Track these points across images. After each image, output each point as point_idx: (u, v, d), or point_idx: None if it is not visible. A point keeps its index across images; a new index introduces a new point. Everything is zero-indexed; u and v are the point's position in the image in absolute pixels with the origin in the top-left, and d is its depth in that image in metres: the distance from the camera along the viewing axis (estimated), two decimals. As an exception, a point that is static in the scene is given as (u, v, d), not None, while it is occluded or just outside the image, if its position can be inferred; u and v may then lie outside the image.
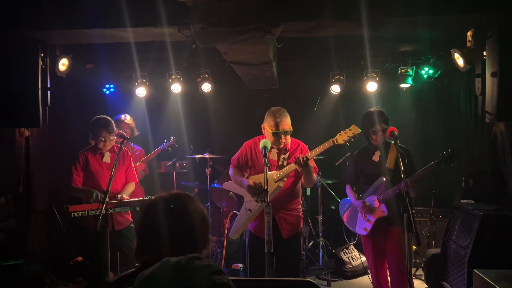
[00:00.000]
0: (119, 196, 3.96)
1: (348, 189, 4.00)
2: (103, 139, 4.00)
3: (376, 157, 3.82)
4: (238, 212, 3.66)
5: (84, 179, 4.02)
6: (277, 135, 3.34)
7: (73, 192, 3.99)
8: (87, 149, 4.09)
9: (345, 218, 4.10)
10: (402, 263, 3.55)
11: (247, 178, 3.51)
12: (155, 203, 1.63)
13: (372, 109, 3.85)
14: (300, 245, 3.53)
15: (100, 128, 3.99)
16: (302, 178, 3.43)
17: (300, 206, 3.59)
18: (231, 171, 3.62)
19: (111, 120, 4.10)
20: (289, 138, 3.46)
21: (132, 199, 3.93)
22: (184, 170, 6.16)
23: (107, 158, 4.09)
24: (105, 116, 4.11)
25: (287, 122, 3.39)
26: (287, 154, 3.43)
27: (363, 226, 3.82)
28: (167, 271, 1.40)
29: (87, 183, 4.01)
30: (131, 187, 4.18)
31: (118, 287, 1.50)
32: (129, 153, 4.31)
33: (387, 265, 3.84)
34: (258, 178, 3.42)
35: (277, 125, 3.34)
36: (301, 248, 3.56)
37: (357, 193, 3.95)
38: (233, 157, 3.65)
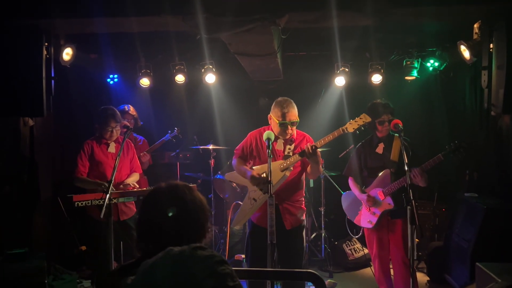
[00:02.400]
0: (125, 182, 3.97)
1: (351, 182, 3.99)
2: (111, 129, 4.00)
3: (379, 149, 3.82)
4: (241, 202, 3.66)
5: (89, 169, 4.03)
6: (284, 125, 3.32)
7: (79, 182, 3.99)
8: (92, 139, 4.09)
9: (348, 211, 4.08)
10: (406, 255, 3.57)
11: (251, 168, 3.50)
12: (153, 194, 1.65)
13: (377, 100, 3.84)
14: (303, 237, 3.51)
15: (109, 118, 3.99)
16: (308, 168, 3.41)
17: (303, 199, 3.57)
18: (234, 161, 3.61)
19: (117, 110, 4.11)
20: (295, 129, 3.44)
21: (136, 189, 3.94)
22: (187, 161, 6.16)
23: (112, 148, 4.10)
24: (111, 106, 4.11)
25: (294, 113, 3.36)
26: (293, 145, 3.41)
27: (368, 219, 3.81)
28: (170, 260, 1.40)
29: (93, 173, 4.01)
30: (135, 177, 4.20)
31: (121, 277, 1.51)
32: (132, 144, 4.32)
33: (390, 258, 3.86)
34: (263, 168, 3.40)
35: (284, 115, 3.32)
36: (304, 241, 3.54)
37: (361, 186, 3.95)
38: (236, 148, 3.63)
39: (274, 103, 3.44)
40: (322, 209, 5.38)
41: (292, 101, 3.41)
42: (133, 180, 4.10)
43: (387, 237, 3.80)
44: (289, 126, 3.34)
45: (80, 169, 3.98)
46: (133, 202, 4.05)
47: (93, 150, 4.03)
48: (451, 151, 3.45)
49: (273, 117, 3.39)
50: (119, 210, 4.00)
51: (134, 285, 1.42)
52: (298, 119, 3.39)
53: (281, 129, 3.33)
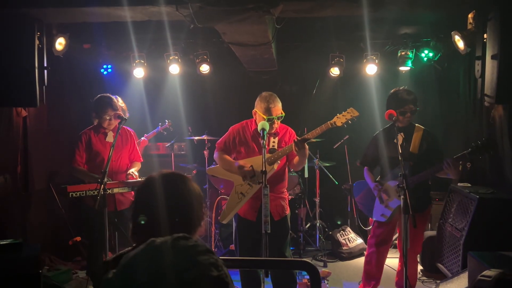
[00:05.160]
0: (129, 171, 3.96)
1: (366, 172, 3.84)
2: (109, 117, 3.95)
3: (399, 140, 3.59)
4: (227, 197, 3.65)
5: (87, 159, 3.99)
6: (271, 120, 3.33)
7: (76, 173, 3.96)
8: (89, 129, 4.05)
9: (360, 202, 3.96)
10: (413, 247, 3.45)
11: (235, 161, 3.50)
12: (148, 184, 1.61)
13: (400, 88, 3.71)
14: (288, 226, 3.56)
15: (106, 106, 3.94)
16: (295, 160, 3.42)
17: (286, 190, 3.62)
18: (216, 155, 3.59)
19: (114, 98, 4.07)
20: (279, 122, 3.46)
21: (131, 180, 3.92)
22: (182, 152, 6.15)
23: (110, 138, 4.05)
24: (107, 94, 4.07)
25: (279, 107, 3.39)
26: (277, 138, 3.43)
27: (381, 213, 3.68)
28: (150, 253, 1.36)
29: (91, 163, 3.97)
30: (137, 166, 4.16)
31: (115, 266, 1.49)
32: (132, 134, 4.27)
33: (399, 248, 3.82)
34: (248, 162, 3.40)
35: (270, 110, 3.33)
36: (289, 229, 3.58)
37: (376, 176, 3.82)
38: (218, 141, 3.61)
39: (258, 98, 3.43)
40: (316, 200, 5.41)
41: (276, 95, 3.42)
42: (135, 169, 4.08)
43: (394, 233, 3.72)
44: (275, 120, 3.36)
45: (77, 159, 3.94)
46: (132, 192, 4.01)
47: (90, 140, 3.98)
48: (477, 149, 3.29)
49: (259, 112, 3.38)
50: (116, 200, 3.97)
51: (113, 280, 1.38)
52: (284, 113, 3.41)
53: (268, 124, 3.31)
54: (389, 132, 3.76)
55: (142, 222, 1.48)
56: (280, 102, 3.41)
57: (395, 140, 3.60)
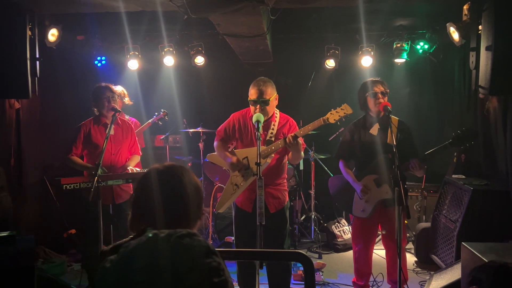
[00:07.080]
0: (125, 165, 3.94)
1: (342, 166, 3.73)
2: (107, 98, 3.87)
3: (374, 131, 3.59)
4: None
5: (86, 151, 3.94)
6: (254, 103, 3.25)
7: (71, 163, 3.91)
8: (89, 120, 3.98)
9: (337, 197, 3.82)
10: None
11: (233, 151, 3.45)
12: (149, 174, 1.59)
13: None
14: (286, 219, 3.49)
15: (104, 90, 3.89)
16: (290, 154, 3.37)
17: (285, 181, 3.55)
18: (216, 144, 3.53)
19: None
20: (272, 109, 3.36)
21: (126, 173, 3.90)
22: (177, 144, 6.13)
23: (111, 131, 4.01)
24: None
25: (267, 92, 3.26)
26: (275, 130, 3.35)
27: (361, 208, 3.57)
28: (153, 247, 1.33)
29: (91, 156, 3.92)
30: (136, 159, 4.14)
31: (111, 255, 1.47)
32: (132, 126, 4.22)
33: (383, 243, 3.74)
34: (244, 153, 3.36)
35: (256, 93, 3.25)
36: (287, 222, 3.50)
37: (352, 169, 3.73)
38: (218, 129, 3.52)
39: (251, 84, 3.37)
40: (312, 192, 5.42)
41: (269, 80, 3.33)
42: (133, 163, 4.05)
43: (377, 228, 3.66)
44: (259, 104, 3.24)
45: (73, 150, 3.90)
46: (131, 185, 3.97)
47: (90, 132, 3.93)
48: (457, 139, 3.27)
49: (249, 97, 3.33)
50: (115, 194, 3.93)
51: (110, 270, 1.35)
52: (271, 98, 3.28)
53: (253, 108, 3.23)
54: (363, 123, 3.66)
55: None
56: (270, 87, 3.30)
57: (370, 131, 3.58)
